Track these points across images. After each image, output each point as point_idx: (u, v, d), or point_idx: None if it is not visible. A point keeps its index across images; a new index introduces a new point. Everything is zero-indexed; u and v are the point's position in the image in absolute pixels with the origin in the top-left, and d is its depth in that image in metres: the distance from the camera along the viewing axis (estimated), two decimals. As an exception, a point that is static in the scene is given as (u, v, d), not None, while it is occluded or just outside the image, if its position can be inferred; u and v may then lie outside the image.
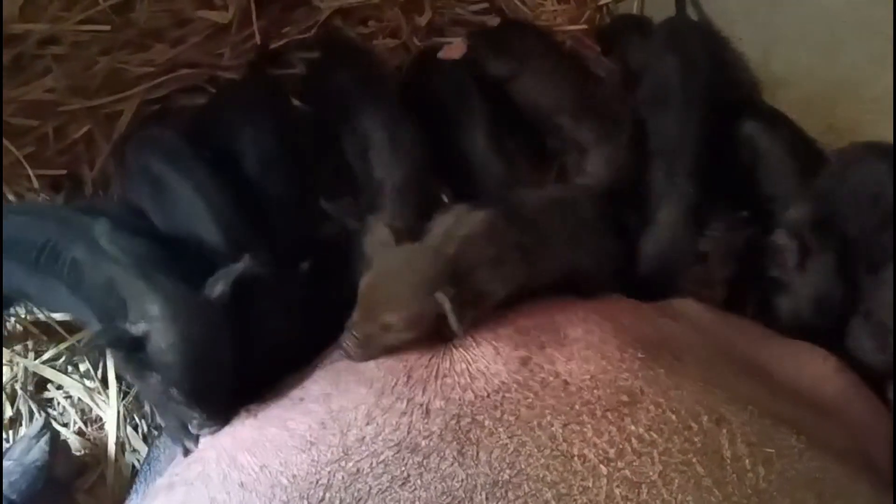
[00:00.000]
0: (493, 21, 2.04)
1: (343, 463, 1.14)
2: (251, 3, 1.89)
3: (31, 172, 1.71)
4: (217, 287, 1.31)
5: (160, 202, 1.52)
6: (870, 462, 1.29)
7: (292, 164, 1.64)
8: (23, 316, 1.65)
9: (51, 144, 1.78)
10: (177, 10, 1.88)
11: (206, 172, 1.52)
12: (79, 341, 1.63)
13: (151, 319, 1.25)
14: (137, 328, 1.25)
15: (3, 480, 1.39)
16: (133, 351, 1.26)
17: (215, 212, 1.46)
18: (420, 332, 1.27)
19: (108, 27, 1.81)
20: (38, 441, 1.43)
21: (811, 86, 1.78)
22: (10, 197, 1.71)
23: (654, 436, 1.14)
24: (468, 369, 1.23)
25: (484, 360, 1.24)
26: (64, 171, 1.76)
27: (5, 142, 1.70)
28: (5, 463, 1.42)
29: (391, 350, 1.27)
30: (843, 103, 1.73)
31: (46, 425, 1.47)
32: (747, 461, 1.13)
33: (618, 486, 1.09)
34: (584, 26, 2.07)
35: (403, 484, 1.11)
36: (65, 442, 1.50)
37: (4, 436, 1.58)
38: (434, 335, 1.29)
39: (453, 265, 1.29)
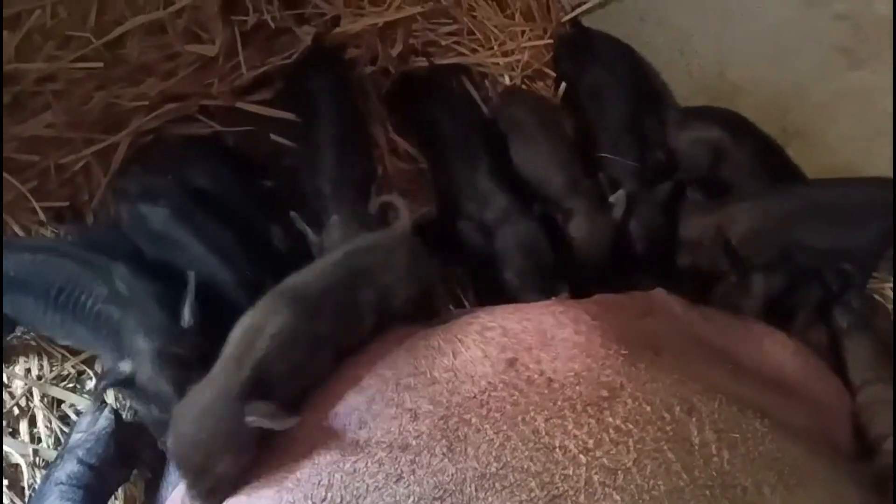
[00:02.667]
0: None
1: (341, 464, 1.22)
2: (236, 35, 1.99)
3: (36, 206, 1.79)
4: (185, 314, 1.38)
5: (162, 251, 1.60)
6: (828, 437, 1.40)
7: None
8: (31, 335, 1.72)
9: (52, 177, 1.86)
10: (166, 45, 1.96)
11: (203, 216, 1.61)
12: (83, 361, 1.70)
13: (135, 354, 1.35)
14: (125, 366, 1.34)
15: (80, 448, 1.46)
16: (131, 387, 1.36)
17: (223, 256, 1.54)
18: (249, 449, 1.26)
19: (101, 64, 1.89)
20: (101, 413, 1.50)
21: (764, 93, 1.89)
22: (17, 230, 1.79)
23: (630, 426, 1.23)
24: (455, 374, 1.31)
25: (472, 364, 1.32)
26: (66, 203, 1.84)
27: (9, 177, 1.79)
28: (76, 435, 1.50)
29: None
30: (793, 109, 1.84)
31: (102, 401, 1.55)
32: (713, 446, 1.22)
33: (596, 473, 1.18)
34: (550, 41, 2.18)
35: (398, 480, 1.19)
36: (119, 412, 1.55)
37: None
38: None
39: (249, 381, 1.26)
